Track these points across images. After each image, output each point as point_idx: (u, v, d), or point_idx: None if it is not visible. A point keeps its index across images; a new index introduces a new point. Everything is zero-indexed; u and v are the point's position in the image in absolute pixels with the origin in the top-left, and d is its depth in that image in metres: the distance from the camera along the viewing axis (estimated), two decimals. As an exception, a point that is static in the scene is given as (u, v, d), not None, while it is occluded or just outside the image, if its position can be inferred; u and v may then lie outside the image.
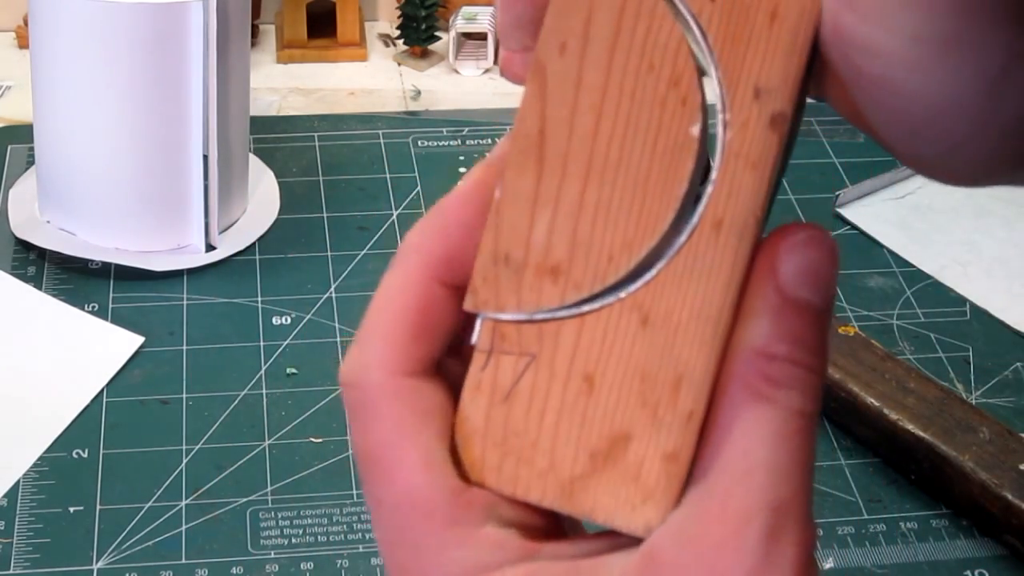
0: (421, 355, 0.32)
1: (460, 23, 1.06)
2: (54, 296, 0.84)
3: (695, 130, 0.29)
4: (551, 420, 0.30)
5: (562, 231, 0.30)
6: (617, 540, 0.31)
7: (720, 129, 0.29)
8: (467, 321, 0.32)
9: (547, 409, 0.30)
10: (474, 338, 0.31)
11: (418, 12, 1.06)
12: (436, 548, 0.31)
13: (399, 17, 1.08)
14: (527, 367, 0.31)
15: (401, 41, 1.09)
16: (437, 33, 1.09)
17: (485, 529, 0.31)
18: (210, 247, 0.87)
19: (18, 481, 0.72)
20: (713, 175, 0.29)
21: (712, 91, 0.29)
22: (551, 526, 0.32)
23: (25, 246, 0.87)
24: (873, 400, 0.74)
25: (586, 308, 0.30)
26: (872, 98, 0.28)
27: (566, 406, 0.30)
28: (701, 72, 0.29)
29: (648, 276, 0.30)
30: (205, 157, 0.85)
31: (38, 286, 0.84)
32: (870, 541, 0.71)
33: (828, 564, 0.70)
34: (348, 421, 0.33)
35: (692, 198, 0.29)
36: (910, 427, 0.73)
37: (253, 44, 1.07)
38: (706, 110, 0.29)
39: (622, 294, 0.30)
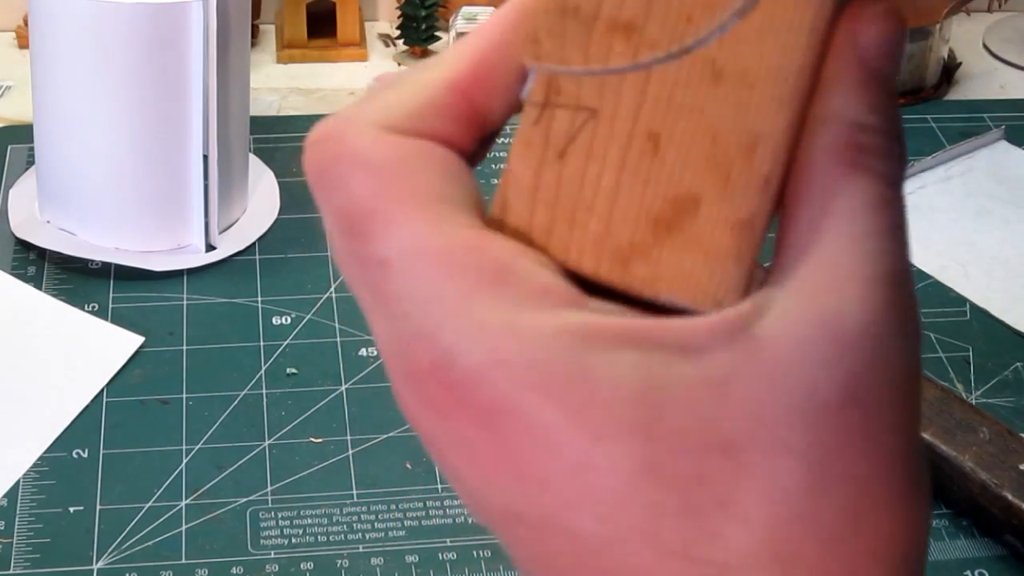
0: (437, 128, 0.28)
1: (460, 23, 1.06)
2: (54, 296, 0.84)
3: None
4: (610, 181, 0.27)
5: None
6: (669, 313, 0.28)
7: None
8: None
9: (606, 169, 0.27)
10: (525, 92, 0.28)
11: (418, 12, 1.06)
12: (469, 293, 0.26)
13: (399, 17, 1.08)
14: (585, 123, 0.28)
15: (401, 41, 1.09)
16: (437, 33, 1.09)
17: (524, 265, 0.27)
18: (210, 247, 0.87)
19: (18, 481, 0.72)
20: None
21: None
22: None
23: (25, 246, 0.87)
24: (873, 400, 0.74)
25: (654, 66, 0.27)
26: None
27: (628, 166, 0.27)
28: None
29: (723, 32, 0.27)
30: (205, 157, 0.85)
31: (38, 286, 0.84)
32: (870, 541, 0.71)
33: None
34: (314, 186, 0.28)
35: None
36: (910, 427, 0.73)
37: (253, 44, 1.07)
38: None
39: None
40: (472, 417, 0.26)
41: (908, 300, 0.28)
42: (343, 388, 0.79)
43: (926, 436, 0.72)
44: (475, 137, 0.29)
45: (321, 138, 0.28)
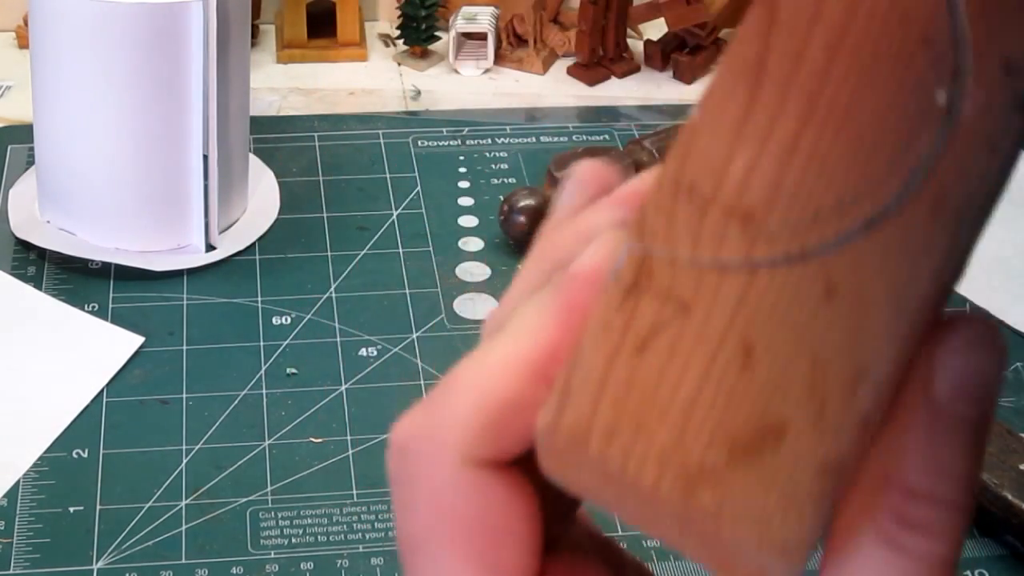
0: (497, 448, 0.27)
1: (460, 23, 1.06)
2: (54, 296, 0.84)
3: (941, 98, 0.24)
4: (690, 388, 0.24)
5: (766, 173, 0.24)
6: None
7: (959, 102, 0.24)
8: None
9: (687, 374, 0.24)
10: (615, 269, 0.25)
11: (418, 12, 1.06)
12: None
13: (399, 17, 1.08)
14: (673, 317, 0.24)
15: (401, 41, 1.09)
16: (437, 33, 1.09)
17: None
18: (210, 247, 0.87)
19: (18, 481, 0.72)
20: (942, 149, 0.24)
21: (958, 60, 0.24)
22: None
23: (25, 246, 0.87)
24: (873, 400, 0.74)
25: (765, 266, 0.24)
26: None
27: (712, 375, 0.24)
28: (956, 40, 0.24)
29: (848, 241, 0.24)
30: (205, 157, 0.85)
31: (38, 286, 0.84)
32: (870, 541, 0.71)
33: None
34: (392, 490, 0.28)
35: (920, 172, 0.24)
36: (910, 427, 0.73)
37: (253, 44, 1.07)
38: (958, 81, 0.24)
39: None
40: None
41: None
42: (343, 388, 0.79)
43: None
44: None
45: (403, 446, 0.28)
